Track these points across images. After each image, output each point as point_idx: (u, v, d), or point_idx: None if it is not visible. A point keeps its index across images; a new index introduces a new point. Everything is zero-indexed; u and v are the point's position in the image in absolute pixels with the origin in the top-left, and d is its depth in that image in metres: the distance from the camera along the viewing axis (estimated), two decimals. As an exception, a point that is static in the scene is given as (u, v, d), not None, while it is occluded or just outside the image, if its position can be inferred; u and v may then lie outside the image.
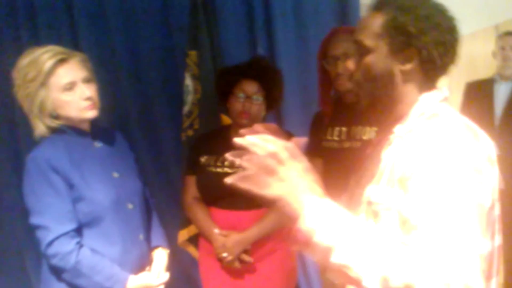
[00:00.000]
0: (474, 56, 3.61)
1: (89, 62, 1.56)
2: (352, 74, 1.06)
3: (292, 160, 0.82)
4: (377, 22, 0.99)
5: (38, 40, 2.29)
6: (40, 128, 1.49)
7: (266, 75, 1.90)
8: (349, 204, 1.13)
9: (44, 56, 1.44)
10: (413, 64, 0.98)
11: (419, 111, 0.99)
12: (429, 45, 0.96)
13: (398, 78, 1.00)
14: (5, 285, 2.61)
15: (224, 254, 1.81)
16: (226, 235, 1.82)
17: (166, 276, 1.66)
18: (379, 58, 1.00)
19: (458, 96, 3.16)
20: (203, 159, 1.95)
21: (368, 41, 1.00)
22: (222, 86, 1.95)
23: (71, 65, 1.48)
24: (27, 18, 2.40)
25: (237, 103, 1.88)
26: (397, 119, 1.02)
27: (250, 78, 1.88)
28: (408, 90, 1.01)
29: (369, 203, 0.98)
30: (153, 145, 2.53)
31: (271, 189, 0.81)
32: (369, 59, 1.01)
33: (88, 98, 1.49)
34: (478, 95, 3.03)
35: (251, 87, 1.87)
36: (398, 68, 0.99)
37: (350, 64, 1.06)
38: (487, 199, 0.86)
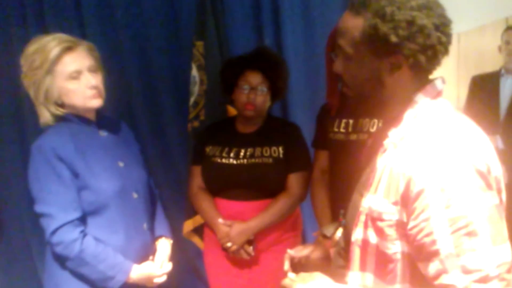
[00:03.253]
0: (483, 50, 3.57)
1: (96, 51, 1.56)
2: (341, 77, 1.02)
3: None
4: (356, 28, 0.92)
5: (45, 31, 2.30)
6: (45, 116, 1.49)
7: (270, 66, 1.89)
8: (348, 210, 1.13)
9: (50, 43, 1.44)
10: (402, 70, 0.93)
11: (413, 114, 0.95)
12: (415, 52, 0.89)
13: (387, 81, 0.95)
14: (12, 273, 2.64)
15: (228, 244, 1.82)
16: (230, 224, 1.83)
17: (169, 266, 1.67)
18: (364, 65, 0.94)
19: (464, 90, 3.14)
20: (208, 149, 1.96)
21: (349, 49, 0.94)
22: (226, 78, 1.95)
23: (78, 54, 1.48)
24: (35, 15, 2.41)
25: (242, 95, 1.88)
26: (392, 120, 0.99)
27: (254, 69, 1.87)
28: (400, 90, 0.96)
29: (373, 219, 0.96)
30: (159, 136, 2.54)
31: None
32: (354, 66, 0.96)
33: (93, 87, 1.49)
34: (483, 89, 3.01)
35: (255, 78, 1.87)
36: (386, 74, 0.94)
37: (337, 67, 1.01)
38: (497, 197, 0.86)
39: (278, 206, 1.84)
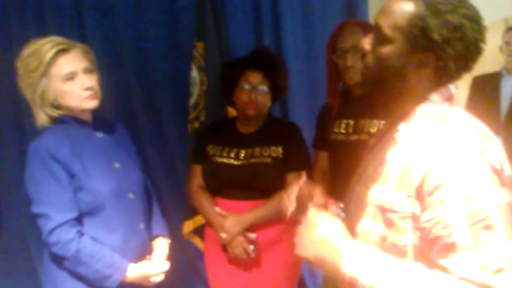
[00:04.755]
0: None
1: (91, 53, 1.57)
2: (364, 54, 1.02)
3: (316, 222, 0.97)
4: (403, 13, 0.93)
5: (45, 32, 2.30)
6: (41, 117, 1.50)
7: (270, 65, 1.90)
8: (349, 204, 1.13)
9: (45, 46, 1.46)
10: (427, 70, 0.95)
11: (427, 111, 0.96)
12: (449, 57, 0.90)
13: (410, 76, 0.96)
14: (11, 273, 2.64)
15: (223, 235, 1.82)
16: (225, 216, 1.84)
17: (166, 265, 1.68)
18: (395, 51, 0.95)
19: (465, 90, 3.14)
20: (208, 149, 1.96)
21: (388, 30, 0.95)
22: (227, 78, 1.95)
23: (72, 55, 1.49)
24: (35, 15, 2.42)
25: (243, 94, 1.88)
26: (403, 115, 1.00)
27: (254, 68, 1.88)
28: (418, 88, 0.97)
29: (383, 210, 0.96)
30: (159, 137, 2.54)
31: (307, 250, 0.97)
32: (385, 50, 0.96)
33: (89, 88, 1.50)
34: (484, 90, 3.02)
35: (255, 77, 1.87)
36: (412, 68, 0.95)
37: (366, 44, 1.01)
38: (509, 194, 0.87)
39: (273, 202, 1.84)
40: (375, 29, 0.99)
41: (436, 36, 0.89)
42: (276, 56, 2.03)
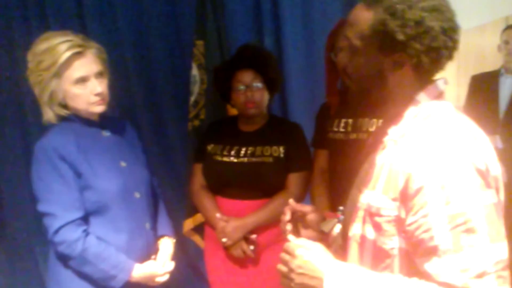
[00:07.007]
0: (483, 49, 3.58)
1: (105, 53, 1.56)
2: (345, 68, 1.04)
3: (294, 250, 0.99)
4: (365, 21, 0.94)
5: (47, 30, 2.30)
6: (49, 114, 1.50)
7: (259, 60, 1.90)
8: (346, 207, 1.14)
9: (61, 46, 1.43)
10: (404, 69, 0.95)
11: (414, 112, 0.96)
12: (419, 52, 0.90)
13: (389, 78, 0.97)
14: (15, 272, 2.64)
15: (224, 239, 1.83)
16: (227, 220, 1.84)
17: (171, 265, 1.68)
18: (368, 59, 0.96)
19: (465, 89, 3.15)
20: (209, 147, 1.96)
21: (356, 41, 0.96)
22: (220, 84, 1.95)
23: (87, 59, 1.48)
24: (37, 15, 2.41)
25: (240, 96, 1.88)
26: (393, 117, 1.00)
27: (244, 67, 1.88)
28: (401, 88, 0.97)
29: (371, 214, 0.97)
30: (159, 135, 2.55)
31: (289, 280, 0.99)
32: (359, 59, 0.98)
33: (98, 94, 1.50)
34: (483, 88, 3.02)
35: (247, 76, 1.87)
36: (389, 71, 0.96)
37: (342, 58, 1.03)
38: (495, 196, 0.87)
39: (275, 204, 1.84)
40: (346, 42, 1.00)
41: (400, 37, 0.89)
42: (263, 50, 2.02)
